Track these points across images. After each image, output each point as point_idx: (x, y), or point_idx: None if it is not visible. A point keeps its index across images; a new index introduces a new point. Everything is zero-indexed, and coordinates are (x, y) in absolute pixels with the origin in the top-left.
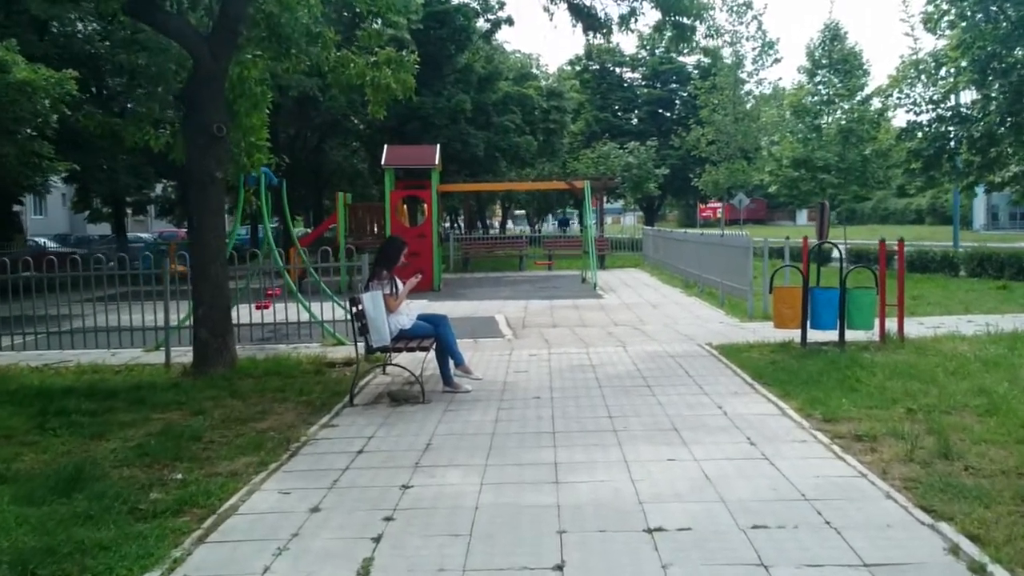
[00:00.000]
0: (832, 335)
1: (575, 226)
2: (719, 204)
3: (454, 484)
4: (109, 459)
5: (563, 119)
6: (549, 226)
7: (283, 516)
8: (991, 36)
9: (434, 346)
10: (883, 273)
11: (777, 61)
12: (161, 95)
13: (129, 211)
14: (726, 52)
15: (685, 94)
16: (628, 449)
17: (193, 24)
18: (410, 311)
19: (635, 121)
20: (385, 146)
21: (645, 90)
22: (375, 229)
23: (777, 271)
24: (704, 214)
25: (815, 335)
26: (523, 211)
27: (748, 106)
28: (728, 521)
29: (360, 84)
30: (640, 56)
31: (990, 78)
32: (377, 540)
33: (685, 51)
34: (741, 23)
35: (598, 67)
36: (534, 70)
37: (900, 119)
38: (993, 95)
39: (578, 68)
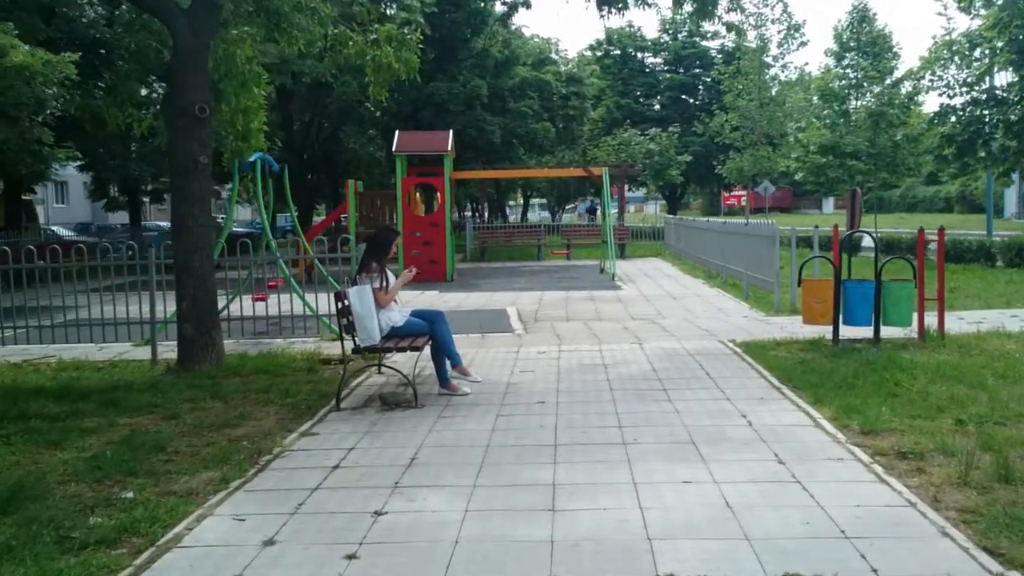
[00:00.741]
0: (866, 332)
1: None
2: (743, 192)
3: (435, 511)
4: (57, 473)
5: (583, 105)
6: (576, 214)
7: (230, 552)
8: None
9: (429, 345)
10: (921, 265)
11: (803, 45)
12: (140, 73)
13: (147, 200)
14: (750, 35)
15: (708, 79)
16: (638, 468)
17: None
18: (403, 307)
19: (657, 107)
20: (397, 132)
21: (668, 75)
22: (387, 218)
23: (806, 262)
24: (728, 202)
25: (847, 332)
26: (543, 200)
27: (773, 91)
28: (754, 567)
29: (360, 64)
30: (662, 41)
31: None
32: None
33: (708, 26)
34: (766, 5)
35: (619, 52)
36: (553, 55)
37: (930, 104)
38: None
39: (599, 54)
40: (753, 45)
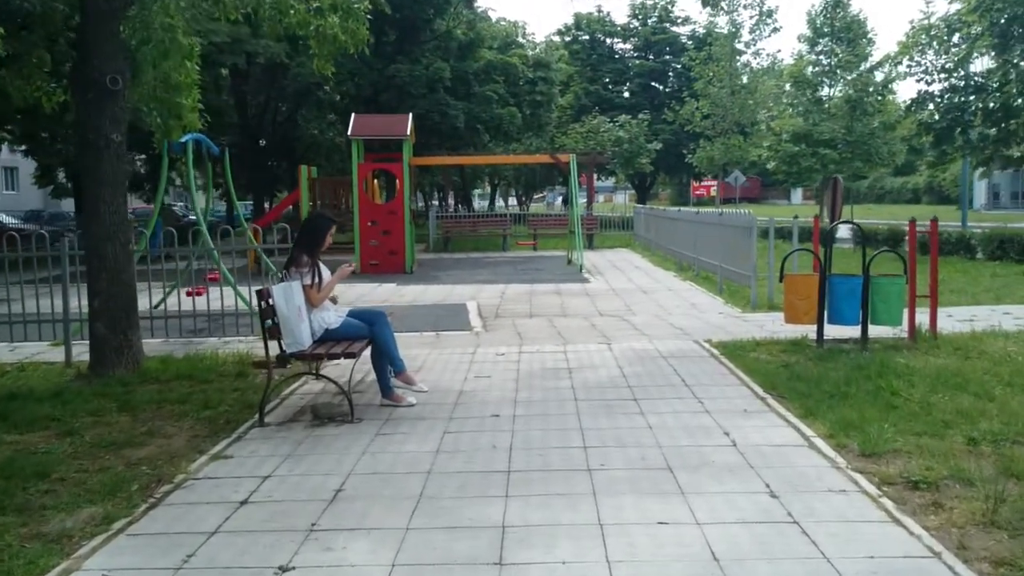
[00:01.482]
0: (852, 331)
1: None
2: (714, 182)
3: (354, 565)
4: None
5: (550, 91)
6: (546, 203)
7: None
8: None
9: (370, 350)
10: (913, 259)
11: (776, 31)
12: (47, 40)
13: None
14: (722, 21)
15: (679, 66)
16: (605, 503)
17: None
18: (339, 307)
19: (627, 94)
20: (352, 115)
21: (637, 62)
22: (343, 205)
23: (788, 256)
24: (697, 192)
25: (832, 331)
26: (508, 188)
27: (745, 78)
28: None
29: (303, 35)
30: (632, 26)
31: (1012, 43)
32: None
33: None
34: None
35: (588, 37)
36: (520, 39)
37: (904, 91)
38: (1014, 61)
39: (567, 39)
40: (725, 31)
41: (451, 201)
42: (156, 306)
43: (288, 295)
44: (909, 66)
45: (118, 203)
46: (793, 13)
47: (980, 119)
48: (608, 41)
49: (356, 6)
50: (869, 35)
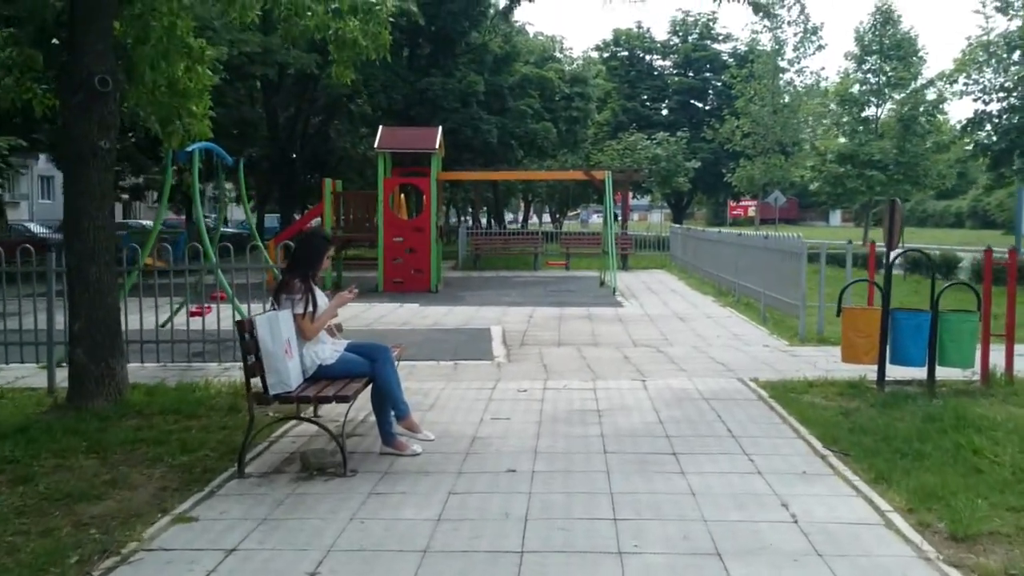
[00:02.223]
0: (915, 372)
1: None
2: (751, 202)
3: None
4: None
5: (587, 107)
6: (581, 221)
7: None
8: None
9: (371, 389)
10: (988, 293)
11: (820, 48)
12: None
13: (125, 196)
14: (765, 38)
15: (719, 84)
16: None
17: None
18: (336, 340)
19: (665, 112)
20: (380, 127)
21: (676, 79)
22: (366, 221)
23: (849, 286)
24: (734, 212)
25: (893, 371)
26: (542, 205)
27: (787, 97)
28: None
29: (322, 39)
30: (672, 43)
31: None
32: None
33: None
34: (782, 6)
35: (626, 53)
36: (557, 54)
37: (956, 111)
38: None
39: (605, 55)
40: (768, 48)
41: (482, 219)
42: (163, 324)
43: (274, 327)
44: (966, 84)
45: (104, 218)
46: (838, 31)
47: None
48: (647, 58)
49: (377, 8)
50: (920, 53)
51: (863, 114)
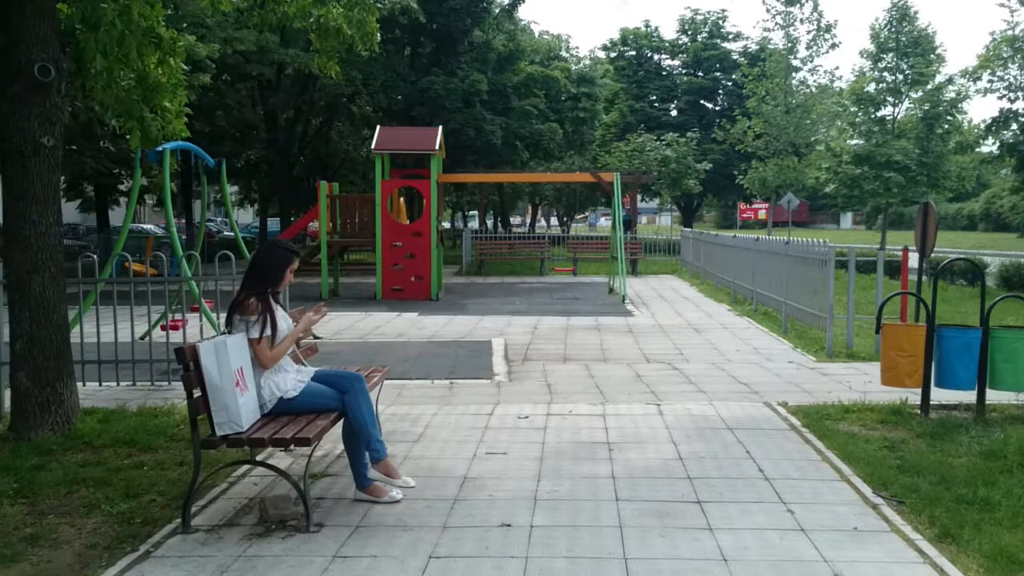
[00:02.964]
0: (961, 396)
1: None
2: (762, 205)
3: None
4: None
5: (594, 107)
6: (589, 225)
7: None
8: None
9: (342, 425)
10: None
11: (834, 47)
12: None
13: (124, 199)
14: (777, 36)
15: (729, 83)
16: None
17: None
18: (303, 368)
19: (674, 112)
20: (377, 127)
21: (686, 78)
22: (360, 225)
23: (891, 298)
24: (745, 215)
25: (937, 395)
26: (549, 208)
27: (801, 96)
28: None
29: (303, 27)
30: (680, 42)
31: None
32: None
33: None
34: (794, 3)
35: (634, 53)
36: (563, 53)
37: (975, 111)
38: None
39: (612, 55)
40: (779, 46)
41: (487, 222)
42: (142, 338)
43: (221, 356)
44: (991, 81)
45: (48, 224)
46: (852, 29)
47: None
48: (655, 57)
49: None
50: (938, 50)
51: (879, 114)
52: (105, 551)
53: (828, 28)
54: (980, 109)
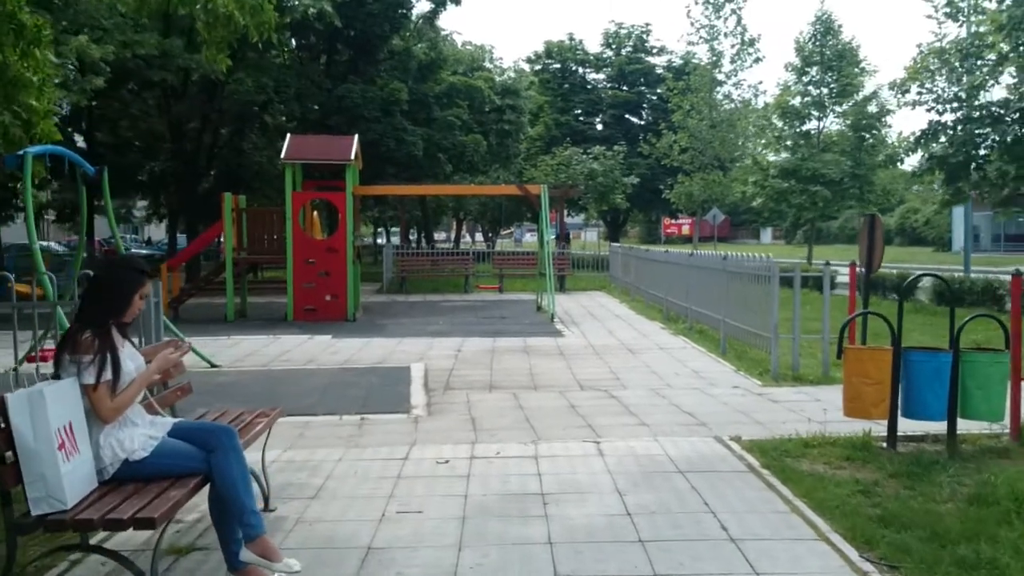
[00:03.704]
0: (928, 426)
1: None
2: (686, 220)
3: None
4: None
5: (519, 120)
6: (515, 240)
7: None
8: None
9: (209, 492)
10: (1018, 327)
11: (758, 60)
12: None
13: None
14: (702, 50)
15: (654, 98)
16: None
17: None
18: (156, 420)
19: (600, 126)
20: (288, 136)
21: (611, 92)
22: (270, 241)
23: (853, 319)
24: (668, 230)
25: (902, 424)
26: (474, 223)
27: (726, 109)
28: None
29: (188, 14)
30: (605, 56)
31: None
32: None
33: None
34: (719, 17)
35: (559, 66)
36: (487, 64)
37: (900, 123)
38: None
39: (537, 67)
40: (703, 61)
41: (411, 238)
42: (15, 369)
43: (38, 411)
44: (919, 93)
45: None
46: (775, 44)
47: (997, 154)
48: (580, 71)
49: None
50: (862, 63)
51: (804, 127)
52: None
53: (752, 42)
54: (908, 122)
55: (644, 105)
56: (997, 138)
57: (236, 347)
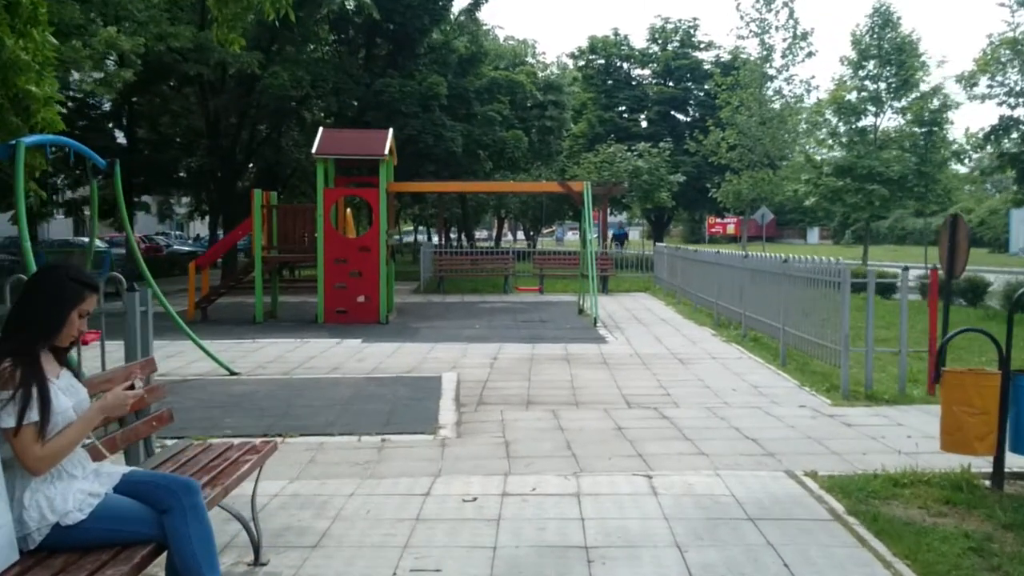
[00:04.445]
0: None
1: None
2: (731, 219)
3: None
4: None
5: (562, 116)
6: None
7: None
8: None
9: (165, 560)
10: None
11: (810, 55)
12: None
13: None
14: (752, 44)
15: (701, 94)
16: None
17: None
18: (101, 471)
19: (644, 124)
20: (320, 129)
21: (656, 88)
22: (303, 238)
23: (955, 335)
24: (713, 230)
25: (1010, 459)
26: (515, 222)
27: (777, 105)
28: None
29: None
30: (651, 51)
31: None
32: None
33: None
34: (770, 10)
35: (603, 62)
36: (529, 59)
37: (963, 119)
38: None
39: (580, 63)
40: (753, 55)
41: (445, 236)
42: None
43: None
44: (989, 86)
45: None
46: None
47: None
48: (625, 66)
49: None
50: (923, 57)
51: (860, 124)
52: None
53: (804, 36)
54: (974, 117)
55: (691, 101)
56: None
57: (259, 352)
